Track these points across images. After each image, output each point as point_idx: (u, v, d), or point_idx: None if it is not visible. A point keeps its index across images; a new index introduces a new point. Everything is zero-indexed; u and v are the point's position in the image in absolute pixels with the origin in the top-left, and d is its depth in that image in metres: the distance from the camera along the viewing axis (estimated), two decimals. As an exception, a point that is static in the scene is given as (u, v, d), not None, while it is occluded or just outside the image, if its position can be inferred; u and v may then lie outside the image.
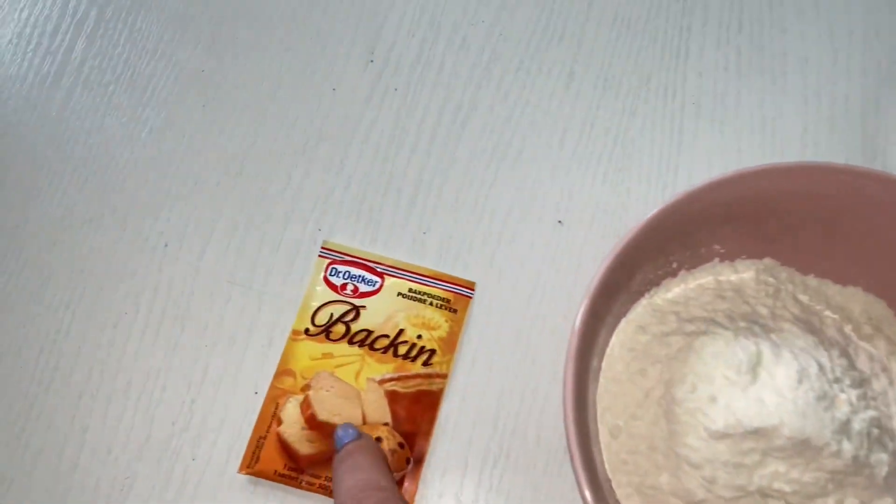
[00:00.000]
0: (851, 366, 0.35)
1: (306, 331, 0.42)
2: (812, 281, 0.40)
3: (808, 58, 0.50)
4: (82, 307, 0.44)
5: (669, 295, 0.39)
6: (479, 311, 0.44)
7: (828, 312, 0.39)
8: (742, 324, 0.36)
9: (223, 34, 0.52)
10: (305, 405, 0.41)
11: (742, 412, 0.32)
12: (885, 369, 0.36)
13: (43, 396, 0.42)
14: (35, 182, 0.48)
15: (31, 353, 0.43)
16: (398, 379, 0.41)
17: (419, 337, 0.42)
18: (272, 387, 0.41)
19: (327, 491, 0.39)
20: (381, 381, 0.41)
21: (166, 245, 0.46)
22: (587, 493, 0.28)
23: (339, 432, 0.37)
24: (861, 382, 0.34)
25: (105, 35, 0.52)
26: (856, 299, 0.39)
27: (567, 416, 0.29)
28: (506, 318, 0.44)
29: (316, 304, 0.43)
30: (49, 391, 0.42)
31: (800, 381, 0.32)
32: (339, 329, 0.42)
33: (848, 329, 0.38)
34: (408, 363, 0.42)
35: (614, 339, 0.38)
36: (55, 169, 0.48)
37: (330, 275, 0.44)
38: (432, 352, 0.42)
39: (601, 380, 0.37)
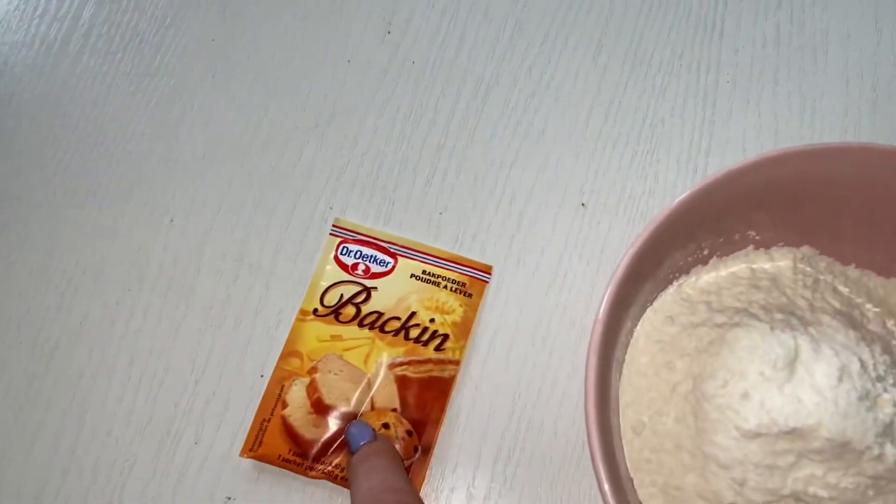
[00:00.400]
0: (895, 363, 0.32)
1: (315, 311, 0.41)
2: (853, 272, 0.38)
3: (850, 36, 0.48)
4: (84, 283, 0.43)
5: (700, 283, 0.37)
6: (495, 297, 0.42)
7: (869, 305, 0.36)
8: (779, 316, 0.34)
9: (235, 2, 0.51)
10: (312, 388, 0.39)
11: (777, 411, 0.30)
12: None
13: (42, 375, 0.42)
14: (38, 152, 0.47)
15: (30, 330, 0.42)
16: (409, 363, 0.40)
17: (432, 321, 0.41)
18: (278, 368, 0.40)
19: (333, 477, 0.38)
20: (391, 366, 0.40)
21: (172, 220, 0.45)
22: (608, 492, 0.27)
23: (354, 431, 0.36)
24: (905, 381, 0.32)
25: (113, 1, 0.51)
26: (899, 292, 0.37)
27: (588, 411, 0.28)
28: (524, 304, 0.42)
29: (325, 284, 0.42)
30: (49, 369, 0.42)
31: (840, 380, 0.30)
32: (349, 311, 0.41)
33: (891, 324, 0.36)
34: (419, 348, 0.40)
35: (639, 330, 0.36)
36: (59, 139, 0.47)
37: (341, 254, 0.42)
38: (445, 337, 0.40)
39: (624, 372, 0.35)
